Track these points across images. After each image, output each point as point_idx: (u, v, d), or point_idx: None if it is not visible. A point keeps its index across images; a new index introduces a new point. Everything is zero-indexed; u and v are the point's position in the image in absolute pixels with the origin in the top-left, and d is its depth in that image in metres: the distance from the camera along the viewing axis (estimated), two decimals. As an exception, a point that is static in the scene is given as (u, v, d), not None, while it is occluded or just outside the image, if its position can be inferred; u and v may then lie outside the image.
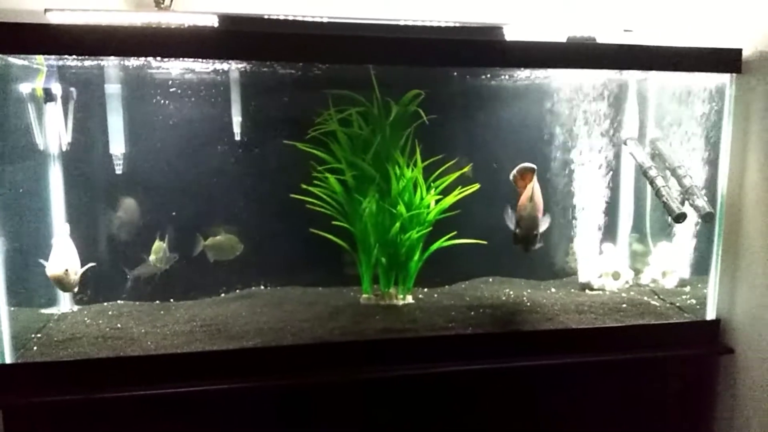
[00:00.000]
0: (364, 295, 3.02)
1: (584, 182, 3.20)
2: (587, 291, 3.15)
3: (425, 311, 2.87)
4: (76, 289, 2.67)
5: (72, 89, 2.79)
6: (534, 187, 2.67)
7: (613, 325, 2.75)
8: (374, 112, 2.86)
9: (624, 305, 2.92)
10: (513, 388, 2.71)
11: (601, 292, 3.13)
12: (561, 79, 3.14)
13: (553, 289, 3.20)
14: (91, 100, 2.84)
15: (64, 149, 2.80)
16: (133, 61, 2.53)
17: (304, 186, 2.91)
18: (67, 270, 2.51)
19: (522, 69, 2.84)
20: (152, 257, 2.91)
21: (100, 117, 2.84)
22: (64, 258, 2.56)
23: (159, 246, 2.91)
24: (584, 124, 3.18)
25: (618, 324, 2.76)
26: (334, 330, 2.64)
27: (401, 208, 2.88)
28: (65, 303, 2.91)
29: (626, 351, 2.70)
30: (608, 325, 2.75)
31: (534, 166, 2.78)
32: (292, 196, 2.86)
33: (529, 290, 3.16)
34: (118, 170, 2.89)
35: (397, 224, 2.88)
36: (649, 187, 3.00)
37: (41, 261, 2.55)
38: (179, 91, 2.92)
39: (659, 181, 2.91)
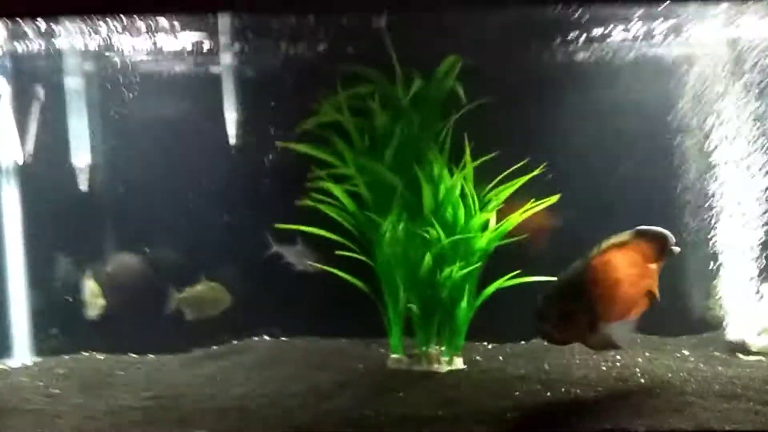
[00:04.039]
0: (393, 355, 2.32)
1: (730, 192, 2.55)
2: (740, 356, 2.45)
3: (478, 386, 2.09)
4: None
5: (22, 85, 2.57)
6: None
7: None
8: (393, 93, 2.16)
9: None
10: None
11: (763, 358, 2.39)
12: (682, 47, 2.45)
13: (685, 352, 2.46)
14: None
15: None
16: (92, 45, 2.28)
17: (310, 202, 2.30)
18: None
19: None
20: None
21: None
22: None
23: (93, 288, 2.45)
24: (723, 108, 2.45)
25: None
26: (329, 414, 1.94)
27: (436, 230, 2.11)
28: (23, 354, 2.68)
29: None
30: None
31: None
32: (279, 226, 2.33)
33: (647, 353, 2.39)
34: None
35: (428, 255, 2.13)
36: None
37: None
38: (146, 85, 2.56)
39: None
